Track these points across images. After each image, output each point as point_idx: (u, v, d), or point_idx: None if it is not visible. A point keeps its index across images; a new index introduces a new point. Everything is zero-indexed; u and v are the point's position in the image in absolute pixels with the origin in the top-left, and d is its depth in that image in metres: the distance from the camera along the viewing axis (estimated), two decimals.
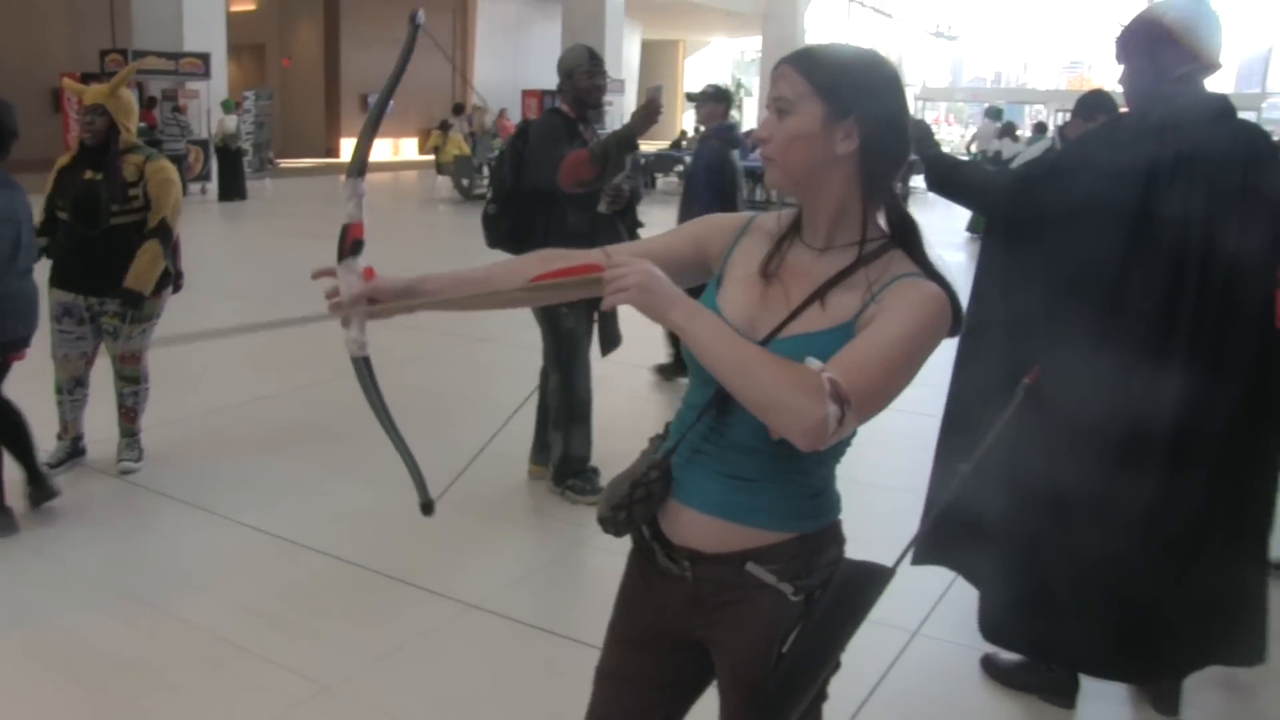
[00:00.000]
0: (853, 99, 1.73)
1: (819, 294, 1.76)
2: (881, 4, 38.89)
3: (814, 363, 1.61)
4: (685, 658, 1.98)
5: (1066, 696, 3.50)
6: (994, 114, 21.88)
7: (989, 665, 3.70)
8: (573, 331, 5.16)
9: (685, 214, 7.37)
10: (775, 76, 1.77)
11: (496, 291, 1.88)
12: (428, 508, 1.86)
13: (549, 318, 5.15)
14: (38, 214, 4.97)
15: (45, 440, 5.25)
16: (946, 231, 16.13)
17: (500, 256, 5.63)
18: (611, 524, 1.88)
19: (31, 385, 5.19)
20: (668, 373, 7.82)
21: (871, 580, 1.82)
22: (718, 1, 36.46)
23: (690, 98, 8.19)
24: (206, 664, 3.68)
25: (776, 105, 1.77)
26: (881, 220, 1.82)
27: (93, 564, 4.45)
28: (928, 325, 1.69)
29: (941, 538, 3.46)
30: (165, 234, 5.10)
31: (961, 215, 15.44)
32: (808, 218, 1.83)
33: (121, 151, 5.01)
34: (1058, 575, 3.27)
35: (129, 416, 5.39)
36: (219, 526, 4.81)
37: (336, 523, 4.85)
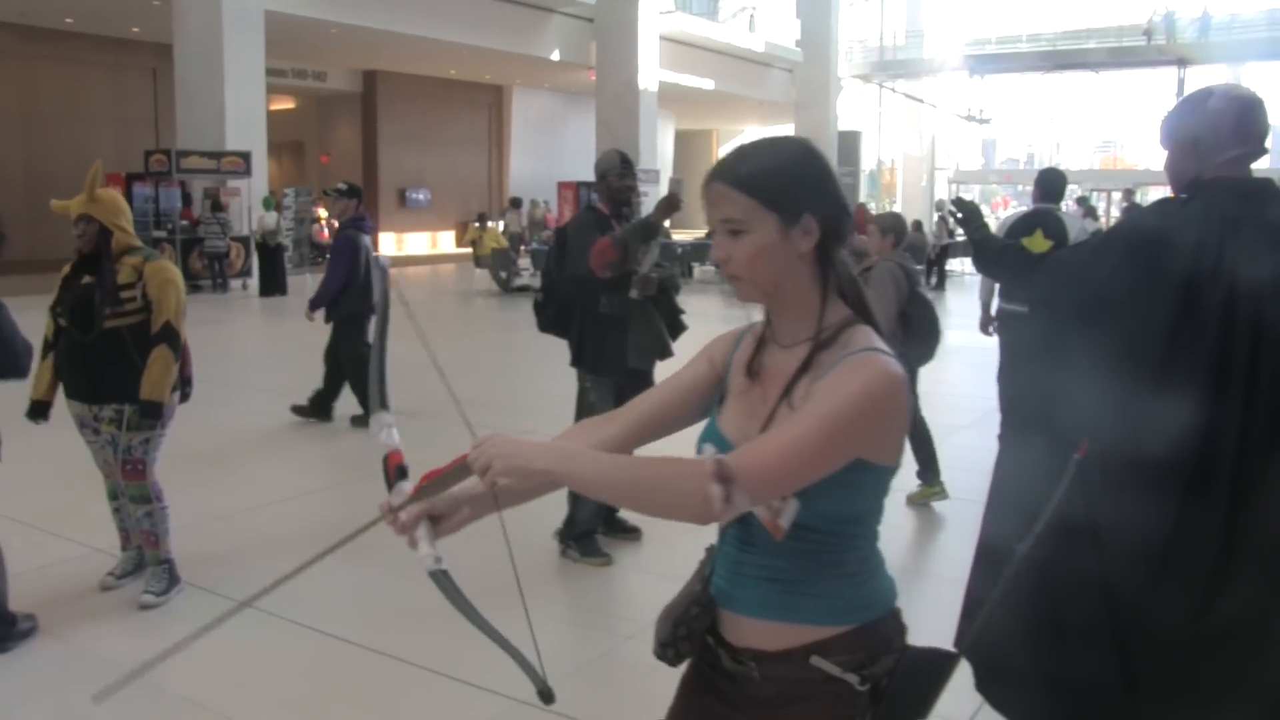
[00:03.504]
0: (802, 197, 1.77)
1: (786, 392, 1.79)
2: (913, 90, 39.21)
3: (708, 449, 1.71)
4: None
5: None
6: (1083, 201, 24.49)
7: None
8: (593, 406, 5.61)
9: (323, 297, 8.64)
10: (714, 196, 1.79)
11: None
12: (546, 695, 1.67)
13: (579, 392, 5.75)
14: (44, 324, 4.97)
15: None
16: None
17: (550, 340, 6.05)
18: (665, 659, 1.93)
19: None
20: (304, 413, 8.84)
21: (938, 666, 1.82)
22: (750, 91, 36.94)
23: (325, 193, 9.74)
24: None
25: (726, 227, 1.78)
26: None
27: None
28: (864, 398, 1.68)
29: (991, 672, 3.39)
30: (172, 337, 4.90)
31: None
32: (776, 318, 1.87)
33: (118, 254, 4.89)
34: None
35: (150, 542, 5.06)
36: (269, 625, 4.72)
37: (386, 620, 4.80)
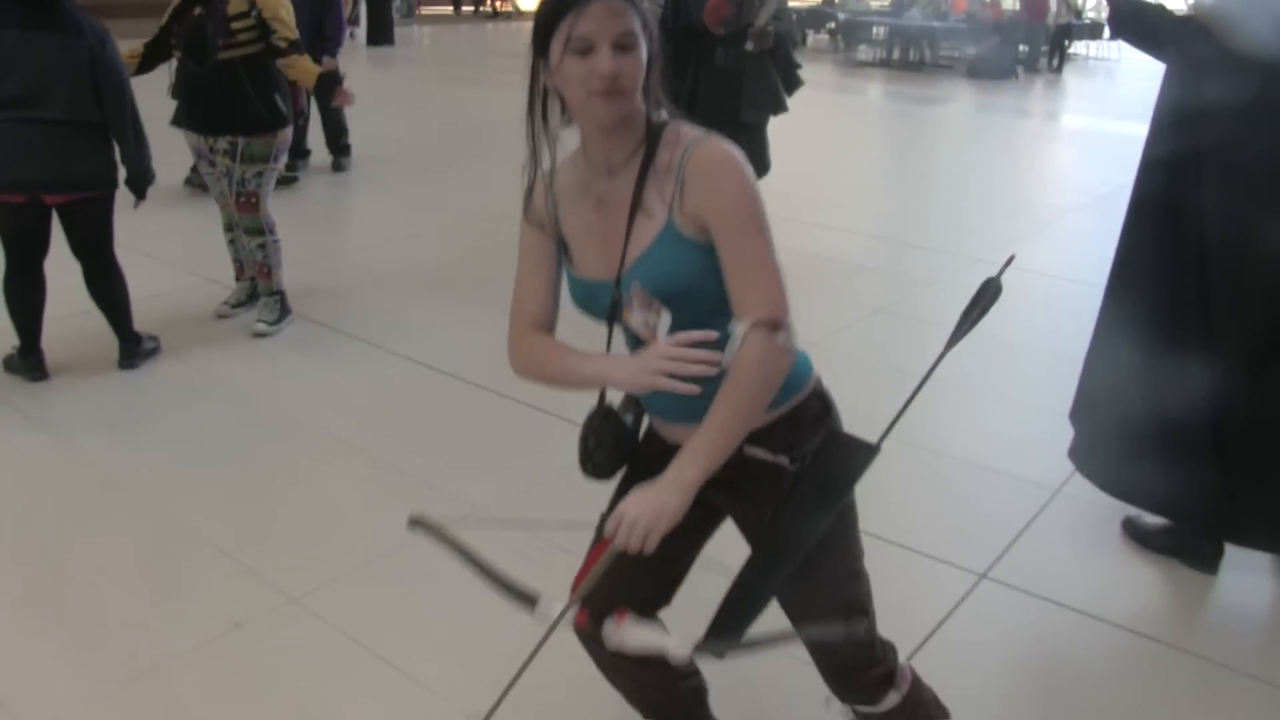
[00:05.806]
0: (651, 17, 1.73)
1: (633, 213, 1.77)
2: None
3: (736, 328, 1.67)
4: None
5: (1208, 563, 3.39)
6: None
7: (1130, 527, 3.60)
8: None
9: None
10: (610, 11, 1.66)
11: None
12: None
13: None
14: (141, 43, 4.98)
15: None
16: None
17: None
18: (589, 474, 2.00)
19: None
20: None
21: (857, 457, 1.83)
22: None
23: None
24: (360, 481, 3.83)
25: (621, 41, 1.67)
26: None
27: (253, 387, 4.64)
28: (752, 188, 1.71)
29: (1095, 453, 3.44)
30: (300, 48, 4.98)
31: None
32: (609, 143, 1.79)
33: None
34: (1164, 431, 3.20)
35: (264, 273, 5.22)
36: (375, 357, 4.94)
37: (487, 357, 4.93)
